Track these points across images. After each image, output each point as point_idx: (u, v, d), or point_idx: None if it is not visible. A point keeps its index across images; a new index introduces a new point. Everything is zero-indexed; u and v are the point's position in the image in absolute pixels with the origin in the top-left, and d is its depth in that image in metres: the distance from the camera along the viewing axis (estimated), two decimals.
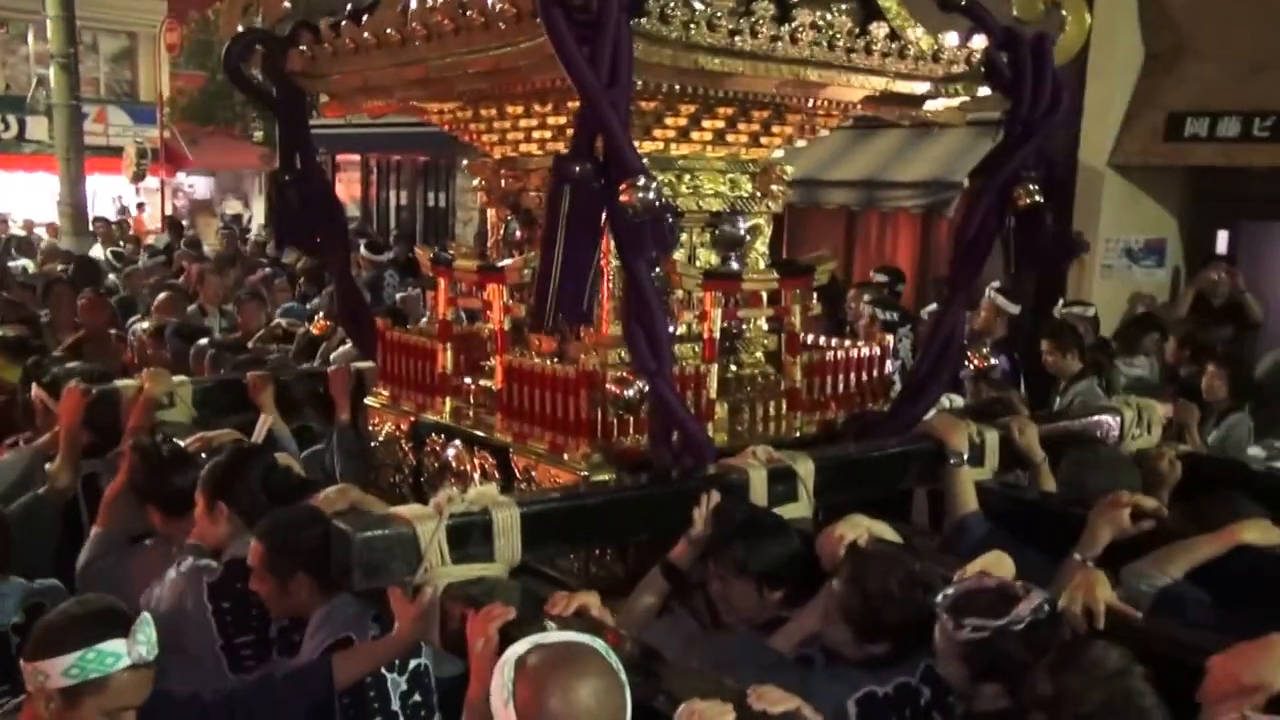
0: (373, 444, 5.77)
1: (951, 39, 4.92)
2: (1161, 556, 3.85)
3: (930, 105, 5.19)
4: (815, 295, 5.40)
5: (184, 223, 25.37)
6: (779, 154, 5.37)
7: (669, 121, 4.85)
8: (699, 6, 4.18)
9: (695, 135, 4.96)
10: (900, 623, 3.48)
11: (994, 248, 5.06)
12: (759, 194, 5.25)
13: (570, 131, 4.70)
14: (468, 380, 5.38)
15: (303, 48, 5.40)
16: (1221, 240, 12.06)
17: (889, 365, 5.55)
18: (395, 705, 3.86)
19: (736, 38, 4.26)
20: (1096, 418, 5.35)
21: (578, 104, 4.52)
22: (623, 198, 3.79)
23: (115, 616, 3.18)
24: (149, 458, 4.77)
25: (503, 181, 5.39)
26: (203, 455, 4.80)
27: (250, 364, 7.01)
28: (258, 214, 30.63)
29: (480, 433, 5.06)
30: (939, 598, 3.27)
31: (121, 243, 18.77)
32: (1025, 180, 4.91)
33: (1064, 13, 5.13)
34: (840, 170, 12.80)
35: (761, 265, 5.24)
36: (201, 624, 4.16)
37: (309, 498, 4.33)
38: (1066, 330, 8.34)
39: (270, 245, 18.76)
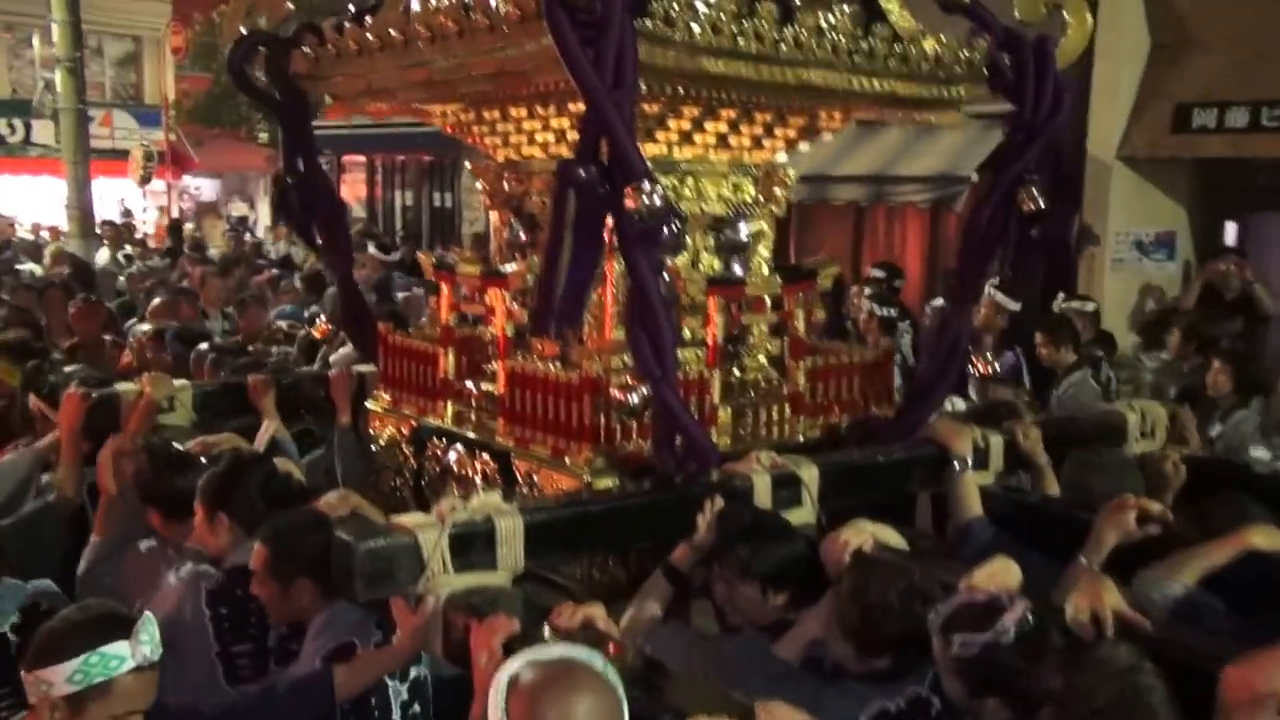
0: (374, 448, 5.71)
1: (954, 41, 4.88)
2: (1173, 564, 3.78)
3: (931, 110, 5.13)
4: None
5: (189, 225, 25.33)
6: (782, 157, 5.30)
7: (671, 124, 4.80)
8: (702, 9, 4.13)
9: (698, 138, 4.92)
10: (900, 635, 3.44)
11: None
12: (762, 198, 5.20)
13: (574, 134, 4.70)
14: (469, 384, 5.32)
15: (306, 49, 5.35)
16: (1230, 232, 11.93)
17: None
18: (396, 715, 3.81)
19: (740, 40, 4.22)
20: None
21: (581, 106, 4.51)
22: (628, 202, 3.75)
23: (116, 619, 3.13)
24: (155, 458, 4.72)
25: (506, 185, 5.34)
26: (203, 460, 4.75)
27: (251, 367, 6.95)
28: (263, 216, 30.59)
29: (482, 437, 5.01)
30: (931, 614, 3.23)
31: (128, 246, 18.65)
32: (1029, 185, 4.83)
33: (1066, 15, 5.08)
34: (847, 165, 12.67)
35: (765, 270, 5.20)
36: (198, 630, 4.11)
37: (310, 504, 4.27)
38: (1062, 324, 8.32)
39: (269, 246, 18.73)
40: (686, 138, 4.89)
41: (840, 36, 4.50)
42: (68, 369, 6.44)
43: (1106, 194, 11.55)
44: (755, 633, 3.85)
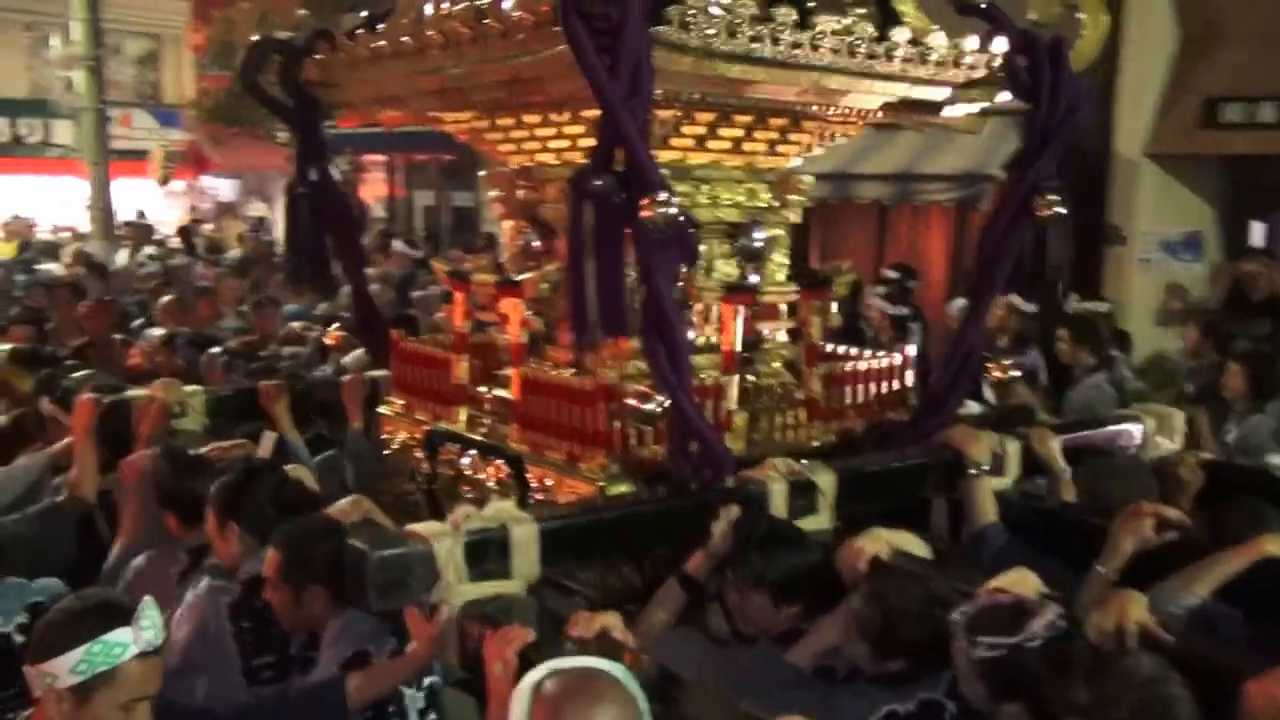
0: (386, 452, 5.70)
1: (971, 43, 4.85)
2: (1189, 575, 3.75)
3: (949, 112, 5.11)
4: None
5: (209, 226, 25.31)
6: (797, 163, 5.28)
7: (686, 130, 4.78)
8: (717, 13, 4.10)
9: (712, 144, 4.89)
10: (917, 640, 3.43)
11: None
12: (777, 204, 5.17)
13: (587, 141, 4.70)
14: (482, 389, 5.30)
15: (319, 57, 5.34)
16: (1258, 232, 11.75)
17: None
18: None
19: (756, 44, 4.19)
20: (1119, 427, 5.25)
21: (595, 113, 4.50)
22: (643, 213, 3.72)
23: (116, 607, 3.12)
24: (174, 462, 4.73)
25: (519, 192, 5.32)
26: (220, 463, 4.76)
27: (263, 371, 6.97)
28: (280, 216, 30.44)
29: (495, 443, 5.00)
30: (955, 615, 3.21)
31: (149, 246, 18.64)
32: (1046, 190, 4.81)
33: (1081, 16, 5.06)
34: (871, 164, 12.53)
35: (780, 276, 5.17)
36: (223, 646, 4.11)
37: (322, 510, 4.29)
38: (1085, 325, 8.23)
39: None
40: (701, 143, 4.86)
41: (857, 40, 4.47)
42: (78, 374, 6.41)
43: (1134, 192, 11.37)
44: (768, 642, 3.84)
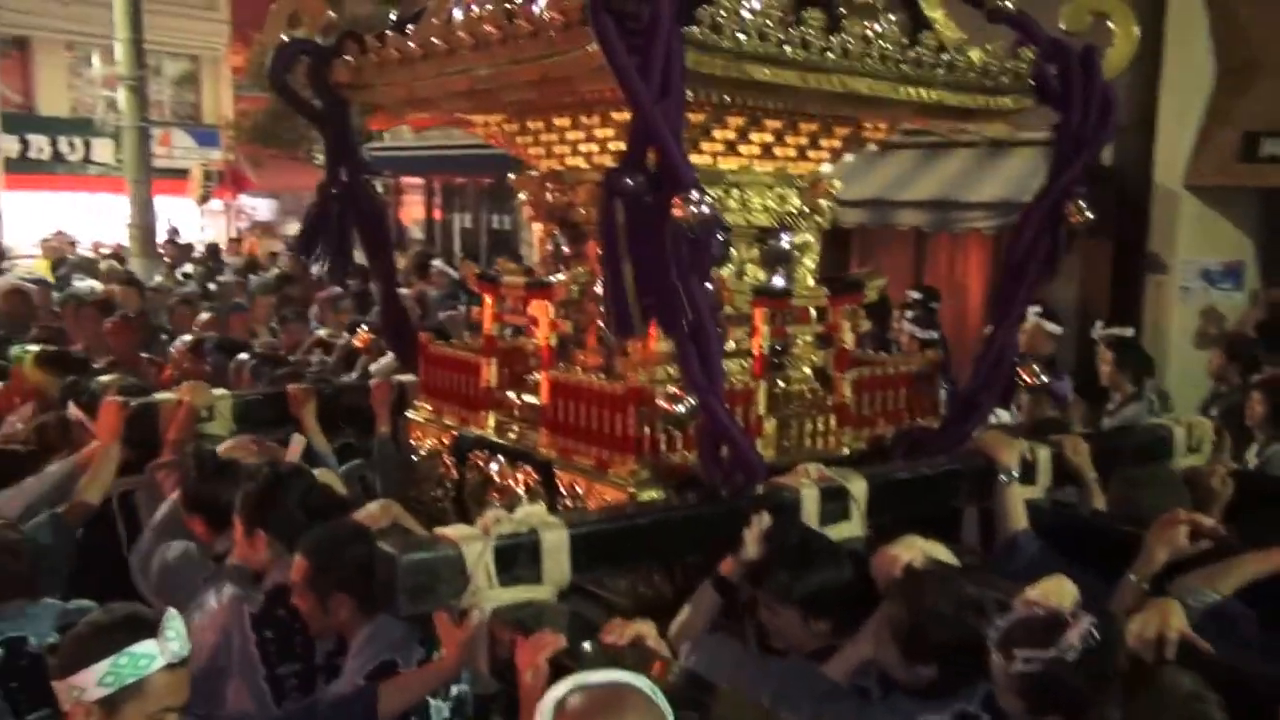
0: (414, 458, 5.65)
1: (1000, 51, 4.79)
2: (1212, 573, 3.72)
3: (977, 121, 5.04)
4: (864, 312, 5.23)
5: (245, 244, 25.36)
6: (827, 168, 5.21)
7: (717, 134, 4.72)
8: (749, 16, 4.04)
9: (743, 148, 4.83)
10: (948, 644, 3.35)
11: None
12: (807, 209, 5.10)
13: (618, 144, 4.65)
14: (511, 394, 5.24)
15: (348, 58, 5.29)
16: None
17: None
18: None
19: (787, 47, 4.13)
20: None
21: (626, 115, 4.42)
22: (675, 212, 3.65)
23: (141, 620, 3.09)
24: (202, 467, 4.69)
25: (549, 195, 5.26)
26: (248, 468, 4.68)
27: (290, 377, 6.92)
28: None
29: (524, 448, 4.94)
30: (990, 630, 3.13)
31: (189, 265, 18.63)
32: (1076, 197, 4.73)
33: (1112, 25, 4.98)
34: (911, 191, 12.41)
35: (810, 281, 5.10)
36: (246, 656, 4.06)
37: (350, 515, 4.23)
38: (1131, 349, 8.11)
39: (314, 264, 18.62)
40: (731, 148, 4.80)
41: (887, 45, 4.40)
42: (105, 378, 6.35)
43: (1174, 222, 11.24)
44: (800, 656, 3.76)
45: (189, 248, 21.88)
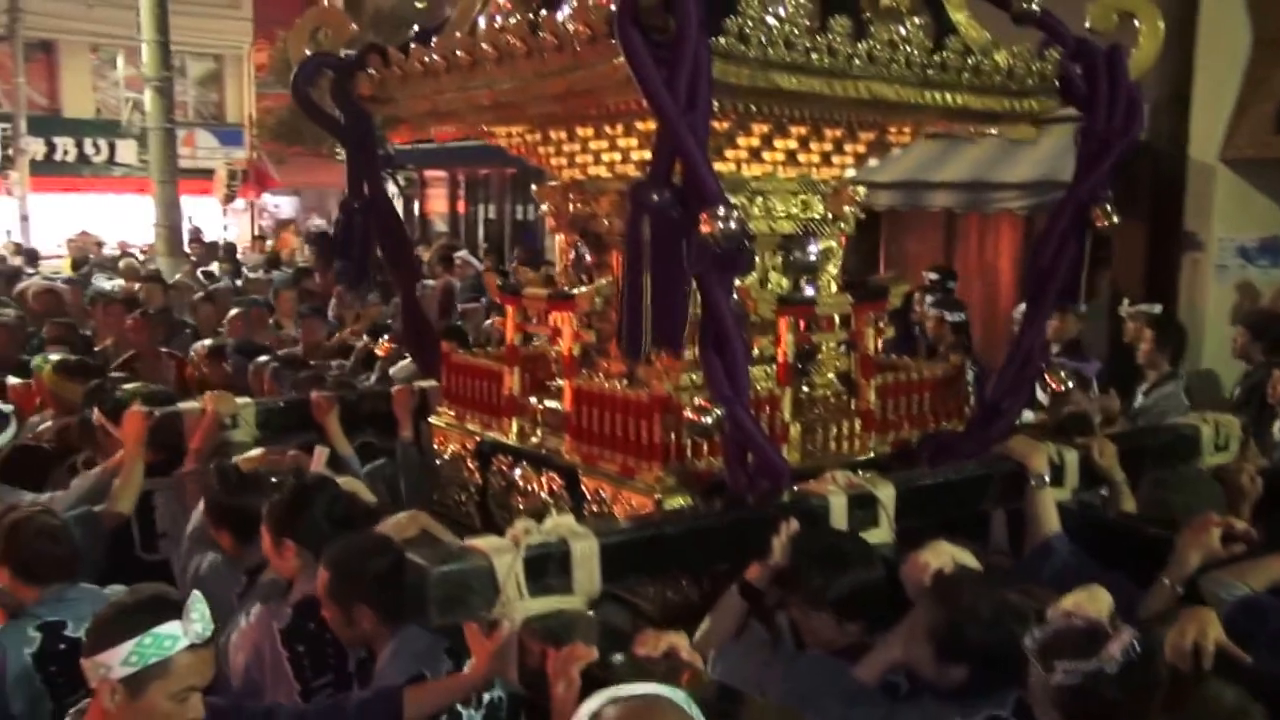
0: (437, 463, 5.63)
1: (1026, 53, 4.71)
2: (1243, 569, 3.69)
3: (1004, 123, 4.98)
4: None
5: (269, 241, 25.37)
6: (851, 174, 5.17)
7: (741, 142, 4.69)
8: (775, 24, 4.01)
9: (767, 155, 4.80)
10: (982, 646, 3.32)
11: None
12: (831, 216, 5.06)
13: (641, 154, 4.66)
14: (533, 400, 5.23)
15: (371, 71, 5.25)
16: None
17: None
18: None
19: (814, 55, 4.10)
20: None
21: (650, 126, 4.41)
22: (703, 228, 3.62)
23: (167, 601, 3.14)
24: (225, 479, 4.68)
25: (571, 205, 5.23)
26: (272, 480, 4.70)
27: (312, 381, 6.93)
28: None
29: (548, 454, 4.92)
30: (1027, 640, 3.08)
31: (215, 264, 18.65)
32: (1103, 200, 4.69)
33: (1138, 24, 4.94)
34: (942, 172, 12.16)
35: (834, 288, 5.07)
36: (279, 673, 4.06)
37: (377, 524, 4.23)
38: (1170, 328, 8.00)
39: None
40: (755, 155, 4.77)
41: (914, 50, 4.37)
42: (130, 386, 6.38)
43: (1210, 198, 10.93)
44: (828, 658, 3.73)
45: (215, 246, 21.90)
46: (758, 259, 4.76)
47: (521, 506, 4.92)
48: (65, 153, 31.32)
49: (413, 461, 5.79)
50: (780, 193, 4.91)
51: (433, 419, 5.71)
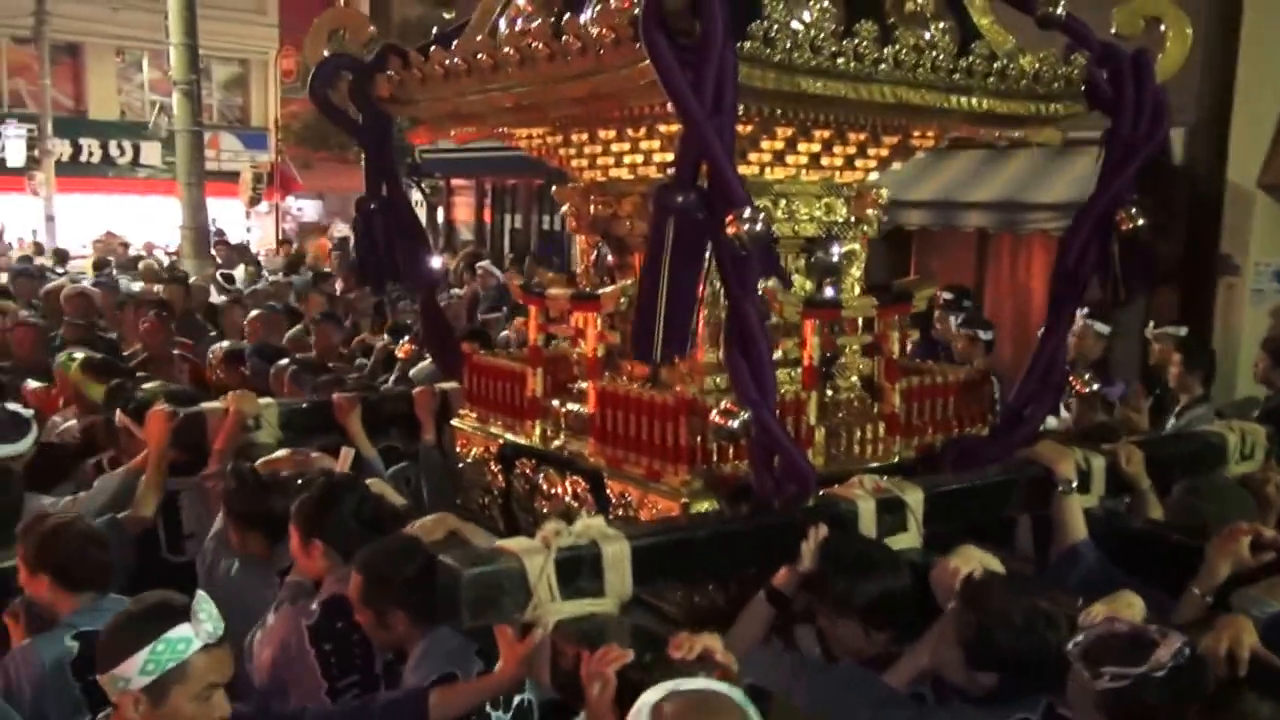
0: (460, 465, 5.58)
1: (1051, 57, 4.64)
2: (1274, 584, 3.63)
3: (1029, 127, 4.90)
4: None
5: (293, 245, 25.34)
6: (874, 177, 5.11)
7: (765, 145, 4.63)
8: (800, 29, 3.94)
9: (790, 159, 4.74)
10: (1013, 653, 3.26)
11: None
12: (854, 219, 5.00)
13: (663, 157, 4.63)
14: (555, 403, 5.16)
15: (390, 73, 5.21)
16: None
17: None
18: None
19: (840, 60, 4.03)
20: None
21: (673, 129, 4.38)
22: (729, 230, 3.57)
23: (172, 606, 3.11)
24: (244, 483, 4.65)
25: (592, 207, 5.18)
26: (297, 480, 4.65)
27: (332, 384, 6.85)
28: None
29: (572, 457, 4.87)
30: (1070, 645, 3.00)
31: (241, 266, 18.63)
32: (1129, 204, 4.60)
33: (1165, 29, 4.85)
34: (975, 192, 11.99)
35: (856, 291, 5.00)
36: (306, 669, 4.02)
37: (405, 526, 4.21)
38: (1201, 351, 7.90)
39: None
40: (779, 158, 4.71)
41: (939, 54, 4.30)
42: (151, 385, 6.32)
43: (1247, 223, 10.85)
44: (857, 666, 3.68)
45: (241, 249, 21.85)
46: (781, 261, 4.66)
47: (545, 510, 4.87)
48: (90, 154, 31.48)
49: (435, 464, 5.74)
50: (803, 196, 4.85)
51: (455, 421, 5.65)
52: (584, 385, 5.00)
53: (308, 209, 34.64)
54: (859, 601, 3.63)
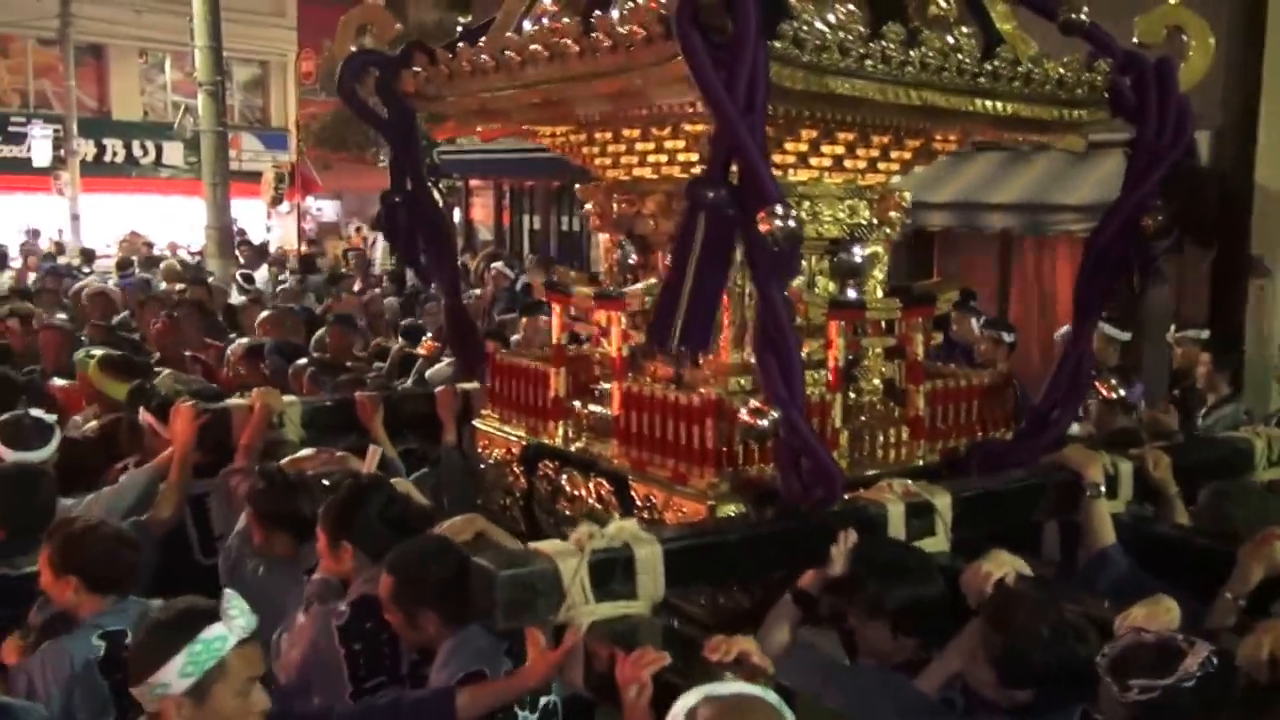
0: (482, 466, 5.48)
1: (1075, 63, 4.56)
2: None
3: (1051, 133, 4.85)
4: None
5: (311, 246, 25.30)
6: (897, 179, 5.01)
7: (789, 147, 4.53)
8: (829, 31, 3.87)
9: (814, 161, 4.65)
10: (1047, 668, 3.17)
11: None
12: (877, 221, 4.90)
13: (687, 155, 4.56)
14: (577, 404, 5.07)
15: (417, 69, 5.13)
16: None
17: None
18: None
19: (868, 61, 3.95)
20: None
21: (698, 128, 4.32)
22: (761, 226, 3.50)
23: (200, 609, 3.07)
24: (272, 483, 4.58)
25: (616, 205, 5.09)
26: (325, 482, 4.60)
27: (352, 384, 6.79)
28: (381, 237, 30.35)
29: (596, 458, 4.76)
30: (1099, 657, 2.92)
31: (265, 266, 18.58)
32: (1152, 212, 4.52)
33: (1187, 38, 4.76)
34: (999, 193, 11.65)
35: (879, 293, 4.90)
36: (334, 668, 3.95)
37: (433, 527, 4.13)
38: (1228, 350, 7.77)
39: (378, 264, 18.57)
40: (803, 160, 4.62)
41: (965, 58, 4.22)
42: (160, 378, 6.27)
43: (1277, 223, 10.53)
44: (888, 671, 3.60)
45: (261, 249, 21.78)
46: (805, 263, 4.61)
47: (568, 511, 4.79)
48: (114, 154, 31.48)
49: (456, 466, 5.64)
50: (827, 198, 4.76)
51: (477, 422, 5.56)
52: (606, 386, 4.91)
53: (326, 209, 34.59)
54: (890, 604, 3.55)
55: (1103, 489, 4.27)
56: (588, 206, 5.32)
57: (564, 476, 4.86)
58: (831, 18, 3.98)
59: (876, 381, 4.90)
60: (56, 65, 29.31)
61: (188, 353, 8.95)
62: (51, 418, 5.53)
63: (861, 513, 3.93)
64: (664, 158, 4.73)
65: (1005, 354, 8.21)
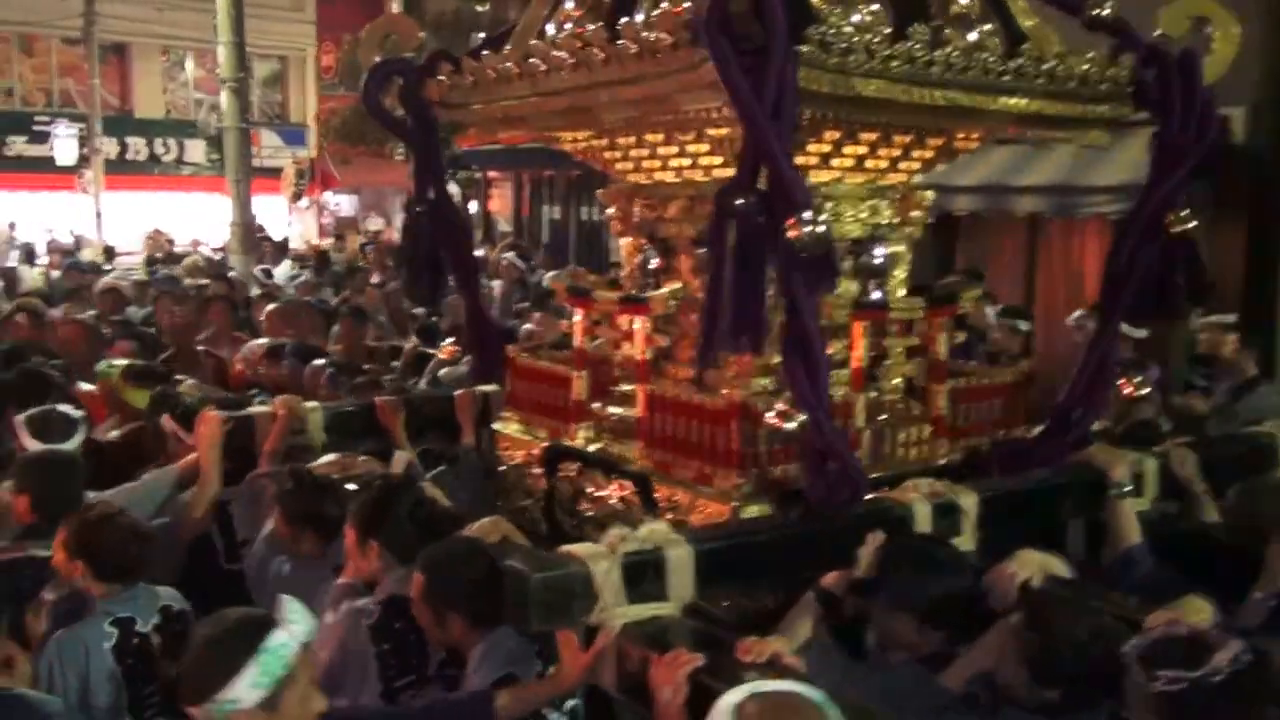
0: (502, 468, 5.44)
1: (1099, 59, 4.48)
2: None
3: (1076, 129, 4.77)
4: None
5: (330, 240, 25.24)
6: (918, 179, 4.94)
7: (811, 148, 4.46)
8: (855, 33, 3.80)
9: (836, 161, 4.59)
10: (1081, 670, 3.13)
11: None
12: (899, 221, 4.84)
13: (709, 160, 4.52)
14: (597, 406, 5.01)
15: (441, 77, 5.09)
16: None
17: None
18: None
19: (894, 62, 3.90)
20: None
21: (722, 132, 4.27)
22: (790, 233, 3.45)
23: (254, 618, 3.03)
24: (301, 484, 4.56)
25: (637, 209, 5.04)
26: (350, 486, 4.58)
27: (369, 387, 6.74)
28: (398, 231, 30.33)
29: (619, 460, 4.72)
30: (1127, 647, 2.89)
31: (287, 261, 18.55)
32: (1178, 207, 4.46)
33: (1211, 30, 4.65)
34: (1027, 176, 11.13)
35: (901, 293, 4.84)
36: (364, 669, 3.93)
37: (461, 528, 4.10)
38: (1257, 330, 7.70)
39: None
40: (825, 160, 4.56)
41: (989, 56, 4.17)
42: (183, 385, 6.27)
43: None
44: (913, 664, 3.55)
45: (282, 245, 21.74)
46: None
47: (590, 513, 4.76)
48: (137, 152, 31.51)
49: (474, 468, 5.60)
50: (849, 198, 4.70)
51: (497, 425, 5.52)
52: (626, 388, 4.87)
53: (344, 204, 34.58)
54: (917, 597, 3.51)
55: (1129, 488, 4.22)
56: (609, 210, 5.27)
57: (586, 478, 4.81)
58: (856, 19, 3.88)
59: (898, 380, 4.83)
60: (80, 64, 29.33)
61: (200, 347, 8.93)
62: (79, 413, 5.50)
63: (888, 513, 3.89)
64: (686, 162, 4.69)
65: (1022, 343, 8.09)
